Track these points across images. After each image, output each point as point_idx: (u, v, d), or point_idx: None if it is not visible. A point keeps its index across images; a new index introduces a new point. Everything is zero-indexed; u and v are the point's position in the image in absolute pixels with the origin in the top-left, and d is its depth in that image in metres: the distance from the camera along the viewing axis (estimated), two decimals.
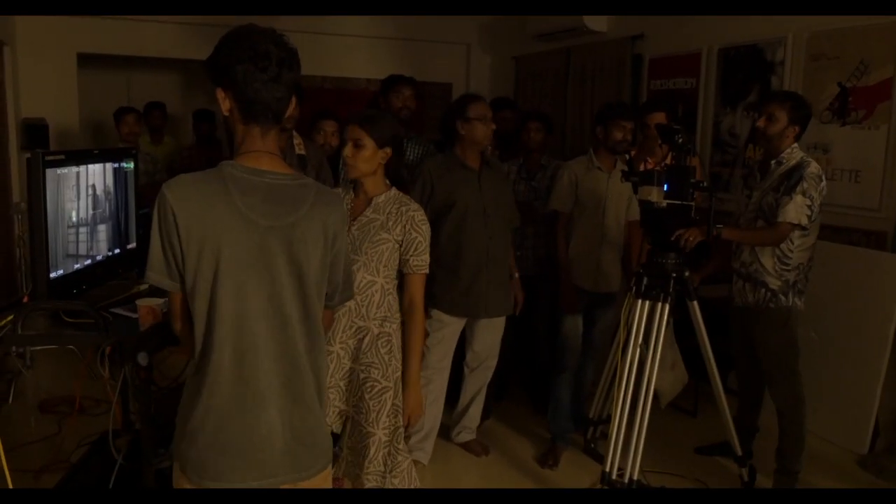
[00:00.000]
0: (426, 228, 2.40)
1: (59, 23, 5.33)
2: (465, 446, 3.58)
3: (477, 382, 3.51)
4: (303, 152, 3.61)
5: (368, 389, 2.37)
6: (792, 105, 3.02)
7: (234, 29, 1.51)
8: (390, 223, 2.37)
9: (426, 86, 6.55)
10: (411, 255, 2.38)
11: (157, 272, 1.51)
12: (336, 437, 1.97)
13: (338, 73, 6.46)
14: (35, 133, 5.19)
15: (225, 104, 1.53)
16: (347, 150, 2.37)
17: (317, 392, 1.61)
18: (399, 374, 2.41)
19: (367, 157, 2.36)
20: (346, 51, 6.41)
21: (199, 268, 1.47)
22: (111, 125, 5.14)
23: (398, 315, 2.44)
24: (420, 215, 2.40)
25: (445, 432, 3.57)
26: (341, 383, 2.42)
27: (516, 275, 3.46)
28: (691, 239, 2.88)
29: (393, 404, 2.39)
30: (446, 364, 3.36)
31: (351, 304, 2.36)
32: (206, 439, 1.50)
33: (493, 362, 3.49)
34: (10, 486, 1.78)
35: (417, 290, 2.41)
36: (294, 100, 1.57)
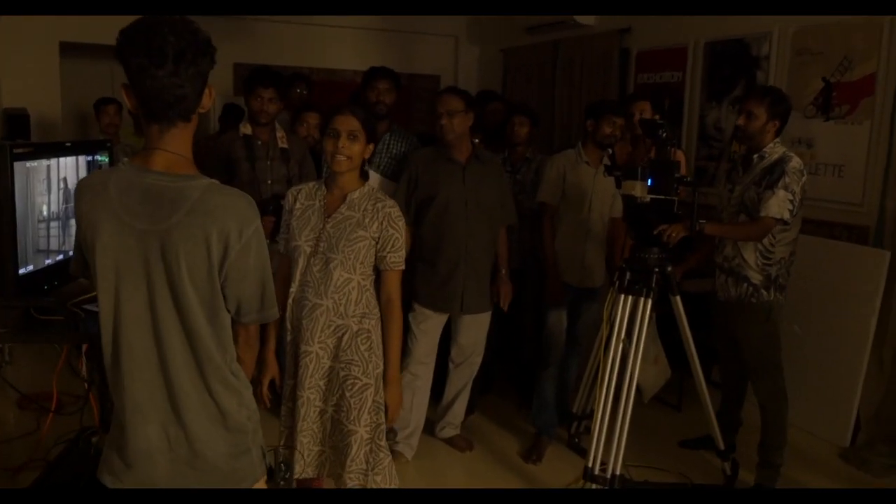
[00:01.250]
0: (402, 224, 2.38)
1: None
2: (450, 441, 3.56)
3: (462, 378, 3.49)
4: (285, 146, 3.59)
5: (349, 387, 2.35)
6: (771, 101, 3.01)
7: (136, 20, 1.40)
8: (366, 220, 2.34)
9: (414, 78, 6.52)
10: (388, 252, 2.35)
11: (76, 262, 1.53)
12: (271, 472, 1.90)
13: (325, 65, 6.42)
14: (16, 123, 5.11)
15: (129, 101, 1.43)
16: (342, 142, 2.31)
17: (215, 417, 1.49)
18: (380, 370, 2.39)
19: (359, 151, 2.34)
20: (334, 42, 6.36)
21: (90, 266, 1.45)
22: (94, 116, 5.07)
23: (377, 311, 2.42)
24: (396, 212, 2.38)
25: (430, 427, 3.56)
26: (321, 383, 2.39)
27: (504, 270, 3.40)
28: (674, 234, 2.87)
29: (374, 401, 2.37)
30: (431, 359, 3.35)
31: (328, 302, 2.33)
32: (111, 436, 1.51)
33: (478, 358, 3.47)
34: None
35: (394, 286, 2.39)
36: (209, 92, 1.44)
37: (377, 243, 2.35)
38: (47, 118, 5.49)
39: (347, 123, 2.32)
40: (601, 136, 3.46)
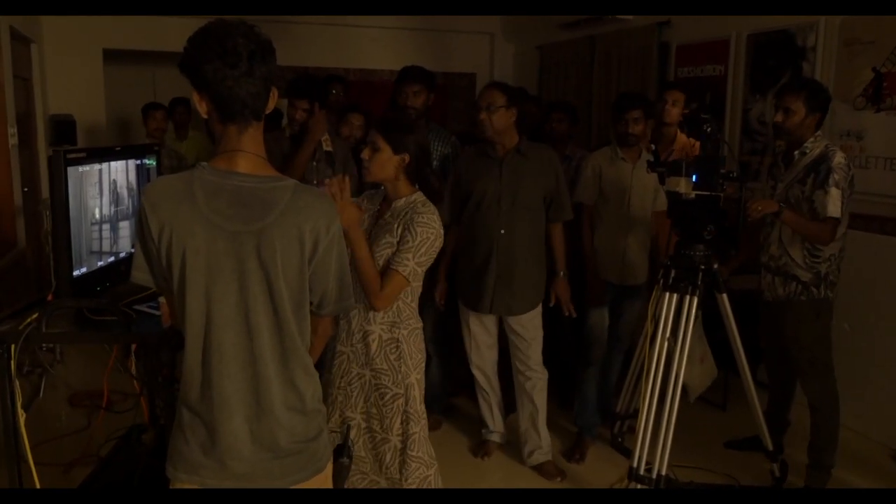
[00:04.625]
0: (422, 231, 2.27)
1: (85, 20, 5.37)
2: (539, 469, 3.34)
3: (523, 393, 3.31)
4: (330, 149, 3.61)
5: (380, 396, 2.36)
6: (808, 94, 2.93)
7: (201, 27, 1.45)
8: (395, 226, 2.32)
9: (450, 77, 6.52)
10: (397, 251, 2.28)
11: (141, 271, 1.54)
12: (340, 449, 1.94)
13: (361, 66, 6.45)
14: (63, 129, 5.24)
15: (202, 107, 1.48)
16: (365, 153, 2.35)
17: (294, 403, 1.55)
18: (410, 379, 2.37)
19: (381, 162, 2.32)
20: (370, 43, 6.39)
21: (172, 271, 1.47)
22: (137, 121, 5.18)
23: (410, 322, 2.39)
24: (423, 218, 2.28)
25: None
26: (348, 388, 2.41)
27: (561, 272, 3.27)
28: (761, 209, 2.80)
29: (404, 411, 2.37)
30: (485, 363, 3.33)
31: (360, 306, 2.33)
32: (185, 435, 1.52)
33: (538, 370, 3.27)
34: (38, 485, 1.80)
35: (391, 285, 2.27)
36: (274, 92, 1.51)
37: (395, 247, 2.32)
38: (92, 123, 5.62)
39: (370, 135, 2.37)
40: (622, 133, 3.41)
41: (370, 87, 6.33)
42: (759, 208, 2.80)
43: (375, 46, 6.39)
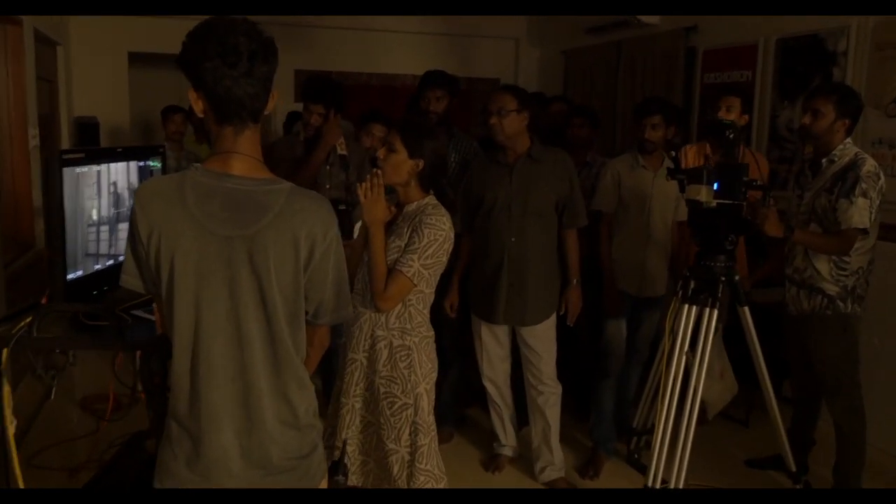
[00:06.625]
0: (429, 232, 2.22)
1: (111, 23, 5.41)
2: (551, 486, 3.24)
3: (535, 407, 3.21)
4: (344, 152, 3.56)
5: (389, 405, 2.30)
6: (839, 98, 2.80)
7: (201, 23, 1.40)
8: (405, 229, 2.28)
9: (474, 82, 6.45)
10: (403, 252, 2.24)
11: (130, 275, 1.48)
12: (335, 466, 1.87)
13: (384, 70, 6.42)
14: (87, 131, 5.28)
15: (198, 105, 1.43)
16: (381, 152, 2.31)
17: (287, 418, 1.49)
18: (419, 389, 2.31)
19: (395, 164, 2.29)
20: (393, 47, 6.35)
21: (160, 275, 1.41)
22: (160, 124, 5.20)
23: (421, 329, 2.34)
24: (431, 220, 2.24)
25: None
26: (367, 393, 2.36)
27: (574, 280, 3.15)
28: (769, 221, 2.69)
29: (413, 422, 2.31)
30: (498, 375, 3.26)
31: (370, 311, 2.30)
32: (172, 449, 1.47)
33: (551, 384, 3.16)
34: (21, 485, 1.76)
35: (394, 285, 2.23)
36: (274, 94, 1.46)
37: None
38: (116, 126, 5.67)
39: (389, 135, 2.35)
40: (641, 139, 3.31)
41: (392, 92, 6.29)
42: (769, 220, 2.69)
43: (398, 51, 6.35)
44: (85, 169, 2.10)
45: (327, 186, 3.52)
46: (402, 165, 2.28)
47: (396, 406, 2.29)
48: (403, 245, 2.25)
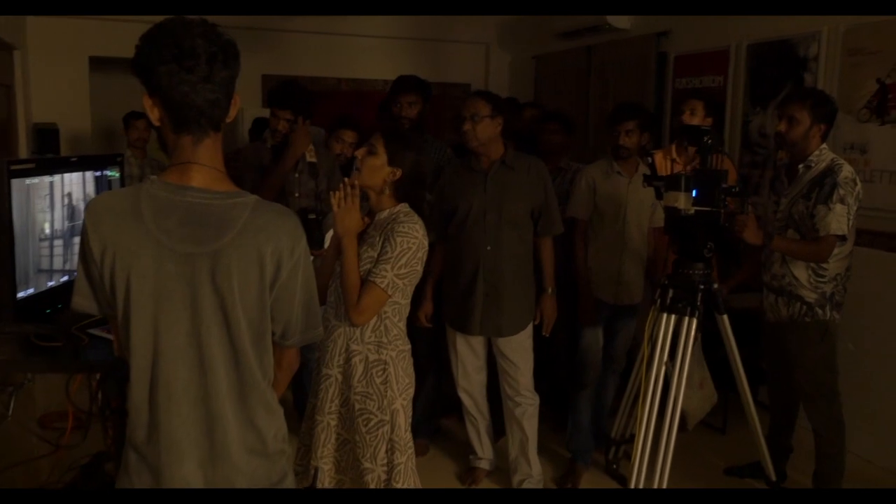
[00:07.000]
0: (401, 241, 2.15)
1: (71, 26, 5.25)
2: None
3: (512, 418, 3.14)
4: (314, 160, 3.46)
5: (364, 422, 2.21)
6: (813, 103, 2.79)
7: (157, 23, 1.31)
8: (377, 239, 2.20)
9: (445, 87, 6.39)
10: (376, 263, 2.16)
11: (82, 297, 1.37)
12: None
13: (354, 75, 6.33)
14: (46, 138, 5.11)
15: (154, 112, 1.33)
16: (359, 152, 2.25)
17: (254, 445, 1.40)
18: (395, 405, 2.23)
19: (373, 167, 2.22)
20: (363, 52, 6.27)
21: (116, 296, 1.31)
22: (122, 130, 5.04)
23: (398, 343, 2.26)
24: (404, 227, 2.17)
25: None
26: (342, 409, 2.27)
27: (549, 289, 3.09)
28: (748, 228, 2.67)
29: (390, 440, 2.22)
30: (473, 386, 3.19)
31: (344, 325, 2.21)
32: (130, 479, 1.37)
33: (528, 395, 3.09)
34: None
35: (368, 297, 2.15)
36: (237, 100, 1.36)
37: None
38: (77, 132, 5.49)
39: (373, 138, 2.27)
40: (616, 146, 3.27)
41: (363, 98, 6.20)
42: (748, 227, 2.66)
43: (368, 56, 6.26)
44: (36, 180, 1.97)
45: (296, 195, 3.42)
46: (379, 170, 2.22)
47: (372, 423, 2.21)
48: (376, 255, 2.18)
